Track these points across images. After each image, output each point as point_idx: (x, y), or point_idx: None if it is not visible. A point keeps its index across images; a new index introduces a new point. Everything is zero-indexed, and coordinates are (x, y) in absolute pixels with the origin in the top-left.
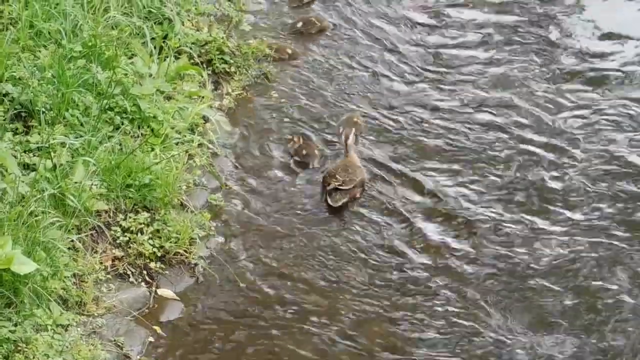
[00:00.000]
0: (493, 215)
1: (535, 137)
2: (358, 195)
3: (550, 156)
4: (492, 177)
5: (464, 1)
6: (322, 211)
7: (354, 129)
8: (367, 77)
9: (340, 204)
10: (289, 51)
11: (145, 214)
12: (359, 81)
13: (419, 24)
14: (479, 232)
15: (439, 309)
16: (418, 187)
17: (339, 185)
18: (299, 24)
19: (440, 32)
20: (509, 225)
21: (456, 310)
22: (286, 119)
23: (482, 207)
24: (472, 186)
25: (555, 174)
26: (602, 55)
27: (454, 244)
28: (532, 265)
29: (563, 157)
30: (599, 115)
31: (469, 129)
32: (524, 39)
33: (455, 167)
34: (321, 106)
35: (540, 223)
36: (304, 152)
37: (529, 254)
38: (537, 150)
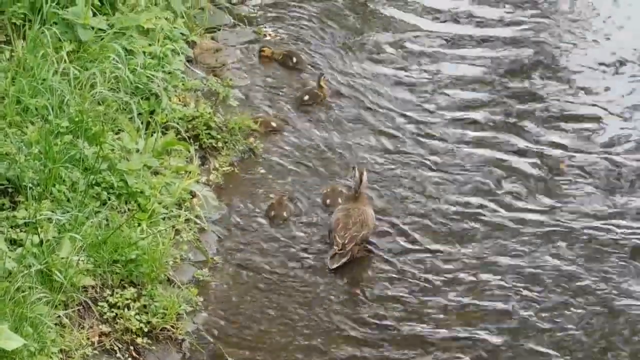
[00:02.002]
0: None
1: None
2: (365, 248)
3: None
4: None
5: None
6: (311, 285)
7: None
8: (355, 149)
9: (336, 265)
10: (274, 124)
11: (132, 290)
12: (344, 154)
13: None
14: None
15: None
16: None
17: (339, 251)
18: (306, 97)
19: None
20: None
21: None
22: (272, 195)
23: None
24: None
25: None
26: None
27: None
28: None
29: None
30: None
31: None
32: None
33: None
34: (305, 182)
35: None
36: (272, 212)
37: None
38: None
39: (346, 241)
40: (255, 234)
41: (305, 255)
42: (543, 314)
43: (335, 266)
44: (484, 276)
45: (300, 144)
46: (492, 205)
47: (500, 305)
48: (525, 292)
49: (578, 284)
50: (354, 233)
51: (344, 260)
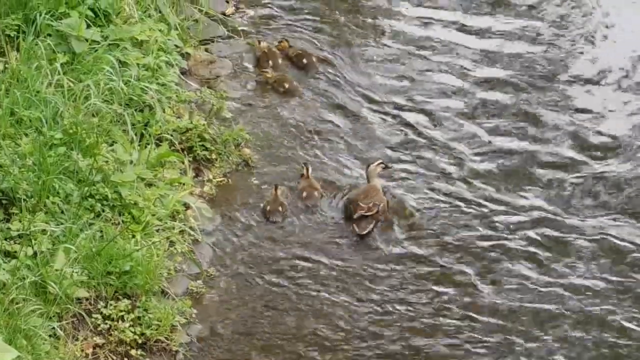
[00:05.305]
0: None
1: None
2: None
3: None
4: None
5: None
6: (307, 297)
7: (380, 161)
8: (350, 153)
9: (366, 231)
10: (287, 85)
11: (126, 301)
12: (338, 158)
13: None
14: None
15: None
16: None
17: (364, 212)
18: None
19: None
20: None
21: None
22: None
23: None
24: None
25: None
26: None
27: None
28: None
29: None
30: None
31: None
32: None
33: None
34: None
35: None
36: (268, 207)
37: None
38: None
39: (371, 205)
40: (249, 245)
41: (300, 266)
42: None
43: (364, 232)
44: None
45: (293, 154)
46: None
47: None
48: None
49: None
50: (377, 202)
51: (371, 226)
